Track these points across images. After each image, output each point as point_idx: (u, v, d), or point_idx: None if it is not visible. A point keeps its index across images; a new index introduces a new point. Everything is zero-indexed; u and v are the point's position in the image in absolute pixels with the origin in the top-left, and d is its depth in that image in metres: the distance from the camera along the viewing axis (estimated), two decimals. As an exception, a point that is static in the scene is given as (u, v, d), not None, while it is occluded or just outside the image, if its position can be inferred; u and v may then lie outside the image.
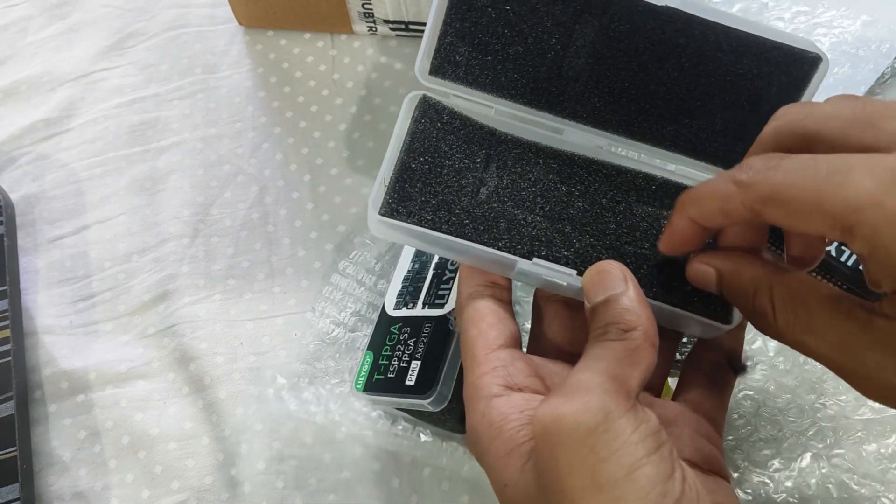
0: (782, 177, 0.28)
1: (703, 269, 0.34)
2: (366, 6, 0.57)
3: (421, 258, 0.47)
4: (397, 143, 0.38)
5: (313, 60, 0.60)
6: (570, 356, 0.34)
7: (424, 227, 0.36)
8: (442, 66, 0.39)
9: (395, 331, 0.44)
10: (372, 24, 0.58)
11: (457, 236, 0.36)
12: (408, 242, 0.37)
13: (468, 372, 0.34)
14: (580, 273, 0.35)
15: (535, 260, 0.36)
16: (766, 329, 0.32)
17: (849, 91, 0.53)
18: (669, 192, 0.39)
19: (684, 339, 0.40)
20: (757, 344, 0.47)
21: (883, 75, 0.53)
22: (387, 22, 0.58)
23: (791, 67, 0.38)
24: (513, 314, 0.36)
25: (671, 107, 0.39)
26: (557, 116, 0.39)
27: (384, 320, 0.45)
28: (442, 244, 0.36)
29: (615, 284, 0.32)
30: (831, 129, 0.29)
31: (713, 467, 0.34)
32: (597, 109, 0.39)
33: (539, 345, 0.38)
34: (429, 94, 0.39)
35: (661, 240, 0.35)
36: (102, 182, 0.57)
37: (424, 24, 0.57)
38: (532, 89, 0.39)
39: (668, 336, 0.37)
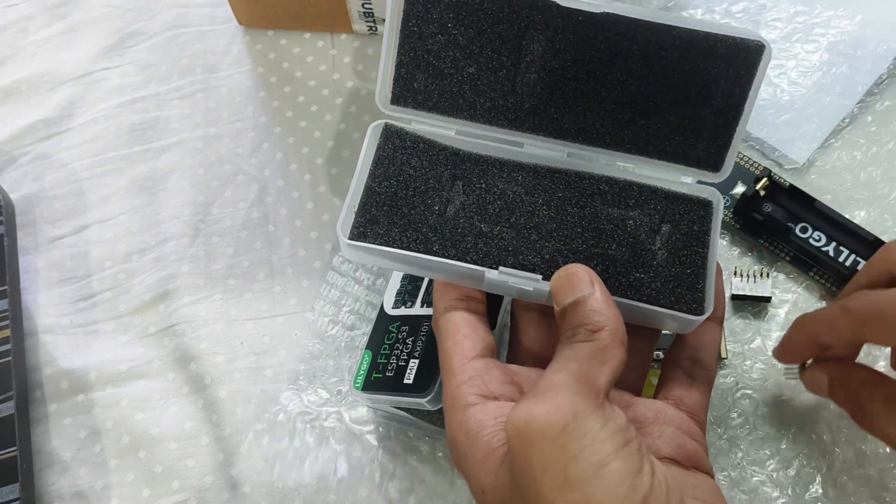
0: (877, 304, 0.35)
1: (816, 375, 0.41)
2: (366, 5, 0.57)
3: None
4: (363, 169, 0.39)
5: (313, 60, 0.60)
6: (546, 362, 0.35)
7: (393, 247, 0.37)
8: (402, 95, 0.41)
9: (394, 329, 0.44)
10: (372, 24, 0.58)
11: (425, 254, 0.37)
12: (380, 263, 0.39)
13: (445, 383, 0.36)
14: (546, 278, 0.36)
15: (500, 269, 0.37)
16: (867, 425, 0.38)
17: (846, 91, 0.53)
18: (632, 193, 0.40)
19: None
20: (756, 343, 0.47)
21: (880, 77, 0.54)
22: (386, 22, 0.58)
23: (736, 58, 0.38)
24: (487, 325, 0.37)
25: (625, 110, 0.40)
26: (516, 131, 0.41)
27: (383, 319, 0.45)
28: (411, 262, 0.37)
29: (582, 287, 0.33)
30: None
31: (696, 464, 0.35)
32: (553, 121, 0.40)
33: (517, 353, 0.39)
34: (391, 121, 0.40)
35: (777, 349, 0.42)
36: (103, 182, 0.57)
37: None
38: (489, 108, 0.40)
39: (644, 335, 0.39)
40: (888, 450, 0.44)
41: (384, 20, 0.57)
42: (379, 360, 0.43)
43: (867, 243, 0.47)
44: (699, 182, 0.40)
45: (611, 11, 0.38)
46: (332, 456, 0.47)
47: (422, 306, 0.44)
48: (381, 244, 0.37)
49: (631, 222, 0.39)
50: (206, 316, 0.52)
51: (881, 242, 0.47)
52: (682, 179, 0.40)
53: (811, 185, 0.51)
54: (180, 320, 0.52)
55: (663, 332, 0.40)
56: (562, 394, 0.30)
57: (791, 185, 0.49)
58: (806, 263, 0.48)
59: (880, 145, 0.52)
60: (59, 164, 0.58)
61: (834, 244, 0.47)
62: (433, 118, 0.41)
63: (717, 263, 0.39)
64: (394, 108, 0.41)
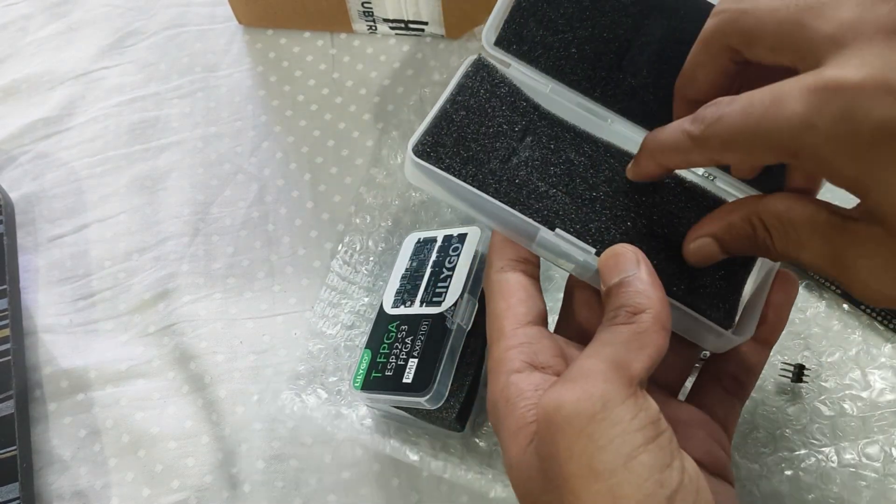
0: (728, 125, 0.30)
1: (700, 244, 0.35)
2: (365, 5, 0.57)
3: (419, 256, 0.47)
4: (444, 94, 0.38)
5: (313, 59, 0.60)
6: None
7: (452, 175, 0.36)
8: (508, 38, 0.39)
9: (393, 329, 0.44)
10: (371, 23, 0.58)
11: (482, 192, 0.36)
12: (435, 192, 0.37)
13: (493, 345, 0.34)
14: (598, 252, 0.35)
15: (557, 231, 0.35)
16: (773, 256, 0.33)
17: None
18: (697, 196, 0.38)
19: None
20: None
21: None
22: (386, 21, 0.58)
23: None
24: (541, 293, 0.36)
25: None
26: (607, 108, 0.39)
27: (382, 318, 0.45)
28: (468, 197, 0.36)
29: (627, 267, 0.32)
30: (769, 30, 0.31)
31: (720, 472, 0.34)
32: (649, 109, 0.39)
33: (567, 327, 0.38)
34: (485, 56, 0.39)
35: (628, 169, 0.37)
36: (102, 181, 0.57)
37: (424, 24, 0.57)
38: (589, 77, 0.39)
39: (688, 342, 0.37)
40: (888, 447, 0.44)
41: (384, 19, 0.57)
42: (378, 360, 0.43)
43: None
44: None
45: None
46: (332, 456, 0.47)
47: (421, 306, 0.44)
48: (441, 169, 0.36)
49: (687, 224, 0.37)
50: (206, 315, 0.52)
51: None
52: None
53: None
54: (180, 319, 0.52)
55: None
56: (593, 380, 0.29)
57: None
58: (806, 262, 0.48)
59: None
60: (59, 163, 0.58)
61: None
62: (531, 71, 0.39)
63: (781, 287, 0.37)
64: (496, 49, 0.39)
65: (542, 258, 0.37)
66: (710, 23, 0.33)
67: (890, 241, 0.28)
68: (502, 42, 0.39)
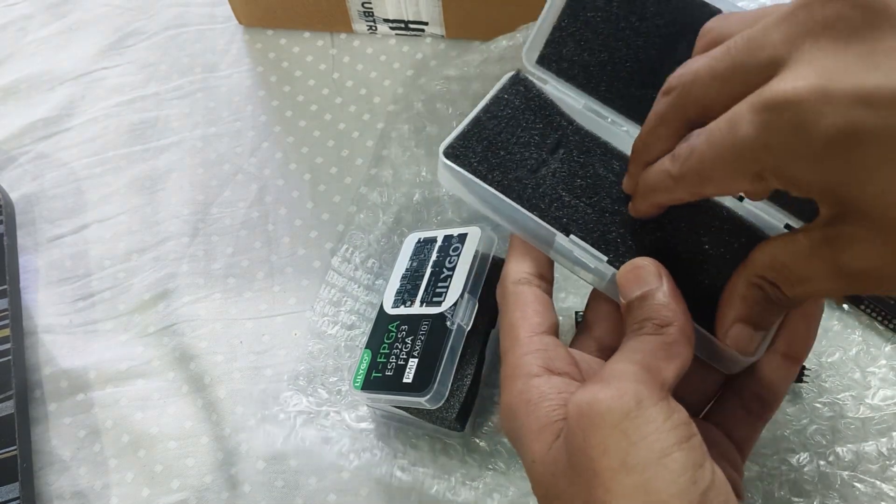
0: (698, 158, 0.30)
1: (735, 335, 0.34)
2: (365, 5, 0.57)
3: (419, 256, 0.47)
4: (480, 104, 0.40)
5: (313, 59, 0.60)
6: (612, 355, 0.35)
7: (478, 178, 0.38)
8: (549, 57, 0.41)
9: (393, 329, 0.44)
10: (371, 24, 0.58)
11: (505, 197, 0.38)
12: (462, 194, 0.39)
13: (508, 352, 0.35)
14: (611, 262, 0.36)
15: (571, 237, 0.37)
16: (794, 305, 0.33)
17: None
18: (721, 215, 0.38)
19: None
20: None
21: None
22: (386, 21, 0.58)
23: None
24: (554, 308, 0.37)
25: None
26: (639, 125, 0.39)
27: (382, 318, 0.45)
28: (490, 200, 0.38)
29: (650, 280, 0.33)
30: (719, 90, 0.31)
31: None
32: None
33: (584, 341, 0.39)
34: (523, 71, 0.41)
35: (630, 208, 0.37)
36: (102, 181, 0.57)
37: (424, 24, 0.57)
38: (623, 94, 0.40)
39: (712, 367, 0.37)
40: (888, 447, 0.44)
41: (384, 19, 0.57)
42: (378, 360, 0.43)
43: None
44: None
45: None
46: (331, 455, 0.47)
47: (421, 305, 0.44)
48: (468, 172, 0.38)
49: (709, 248, 0.37)
50: (206, 315, 0.52)
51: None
52: (780, 227, 0.38)
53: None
54: (180, 319, 0.52)
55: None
56: (626, 381, 0.30)
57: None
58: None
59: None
60: (59, 163, 0.58)
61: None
62: (567, 87, 0.41)
63: (810, 304, 0.36)
64: (536, 67, 0.41)
65: (563, 267, 0.38)
66: (662, 102, 0.33)
67: (877, 232, 0.27)
68: (543, 60, 0.41)
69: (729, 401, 0.38)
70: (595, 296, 0.39)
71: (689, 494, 0.28)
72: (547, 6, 0.40)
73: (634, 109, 0.40)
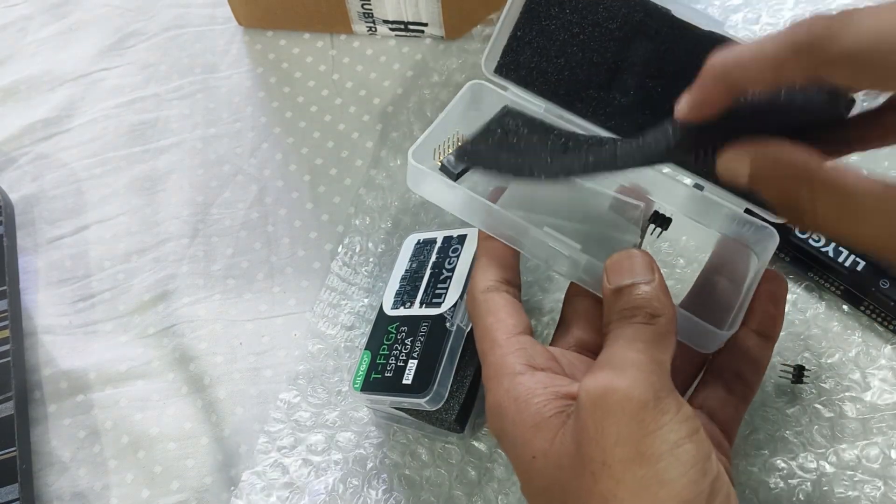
0: (855, 34, 0.26)
1: (735, 158, 0.31)
2: (365, 6, 0.57)
3: (419, 257, 0.47)
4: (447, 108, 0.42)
5: (313, 60, 0.60)
6: (591, 351, 0.36)
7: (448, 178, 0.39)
8: (507, 66, 0.42)
9: (393, 330, 0.44)
10: (371, 25, 0.58)
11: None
12: (429, 195, 0.40)
13: (488, 355, 0.35)
14: (584, 249, 0.37)
15: (545, 228, 0.37)
16: (806, 222, 0.30)
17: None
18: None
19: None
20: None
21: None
22: (386, 22, 0.58)
23: (829, 104, 0.36)
24: (524, 311, 0.37)
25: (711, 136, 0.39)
26: (600, 127, 0.41)
27: (382, 319, 0.45)
28: (468, 202, 0.39)
29: (644, 272, 0.34)
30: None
31: None
32: (638, 127, 0.40)
33: (563, 337, 0.39)
34: (481, 80, 0.43)
35: (683, 103, 0.32)
36: (102, 182, 0.57)
37: (423, 25, 0.57)
38: (581, 98, 0.41)
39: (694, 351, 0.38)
40: (889, 448, 0.44)
41: (384, 20, 0.57)
42: (378, 361, 0.43)
43: (867, 243, 0.47)
44: (759, 219, 0.40)
45: (716, 32, 0.38)
46: (331, 456, 0.47)
47: (420, 307, 0.44)
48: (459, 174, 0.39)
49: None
50: (206, 316, 0.52)
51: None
52: (739, 212, 0.40)
53: (811, 185, 0.51)
54: (180, 320, 0.52)
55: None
56: (641, 371, 0.30)
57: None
58: (805, 264, 0.48)
59: (880, 145, 0.52)
60: (59, 164, 0.58)
61: (833, 245, 0.47)
62: (527, 94, 0.42)
63: (770, 282, 0.38)
64: (495, 76, 0.43)
65: (537, 260, 0.39)
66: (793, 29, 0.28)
67: None
68: (501, 69, 0.42)
69: (711, 383, 0.38)
70: (572, 292, 0.40)
71: (699, 485, 0.29)
72: (502, 16, 0.42)
73: (594, 112, 0.41)
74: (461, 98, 0.42)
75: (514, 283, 0.38)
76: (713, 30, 0.39)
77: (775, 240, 0.39)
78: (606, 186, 0.42)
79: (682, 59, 0.39)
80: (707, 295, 0.40)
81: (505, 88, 0.43)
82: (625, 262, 0.34)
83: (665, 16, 0.40)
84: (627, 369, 0.31)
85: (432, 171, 0.39)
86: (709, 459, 0.30)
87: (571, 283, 0.40)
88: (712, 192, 0.40)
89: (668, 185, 0.42)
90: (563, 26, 0.41)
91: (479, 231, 0.39)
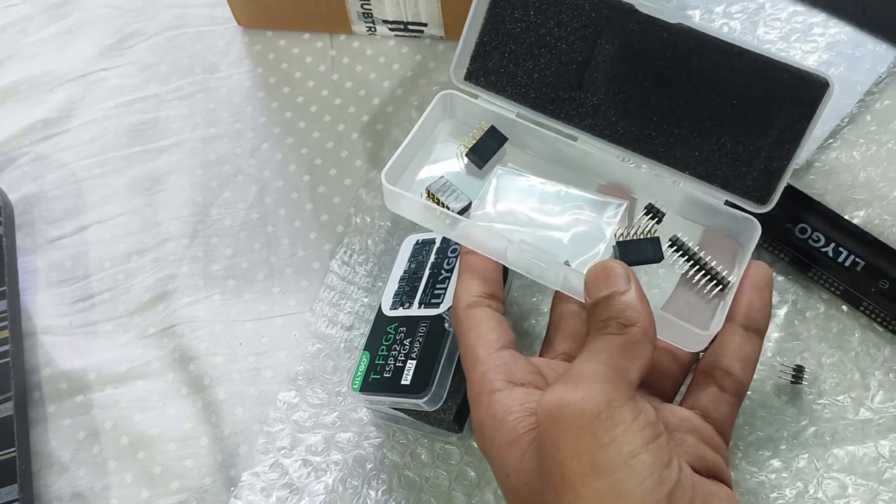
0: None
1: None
2: (365, 7, 0.57)
3: (417, 258, 0.47)
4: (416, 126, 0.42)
5: (312, 61, 0.60)
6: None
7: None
8: (476, 73, 0.43)
9: (392, 330, 0.44)
10: (371, 25, 0.58)
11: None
12: (406, 213, 0.41)
13: (470, 371, 0.36)
14: (567, 254, 0.37)
15: (521, 242, 0.37)
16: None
17: (845, 91, 0.53)
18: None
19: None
20: (755, 344, 0.47)
21: (880, 76, 0.53)
22: (386, 22, 0.58)
23: (801, 92, 0.38)
24: (508, 324, 0.38)
25: (683, 126, 0.40)
26: (573, 126, 0.42)
27: (381, 320, 0.45)
28: (446, 221, 0.39)
29: (618, 282, 0.34)
30: None
31: (716, 475, 0.34)
32: (611, 124, 0.41)
33: (551, 346, 0.40)
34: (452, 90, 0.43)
35: None
36: (102, 182, 0.57)
37: (423, 25, 0.57)
38: (552, 98, 0.42)
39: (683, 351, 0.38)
40: (887, 450, 0.44)
41: (383, 21, 0.57)
42: (377, 362, 0.43)
43: (867, 244, 0.47)
44: (741, 210, 0.40)
45: (685, 24, 0.39)
46: (331, 457, 0.47)
47: (419, 307, 0.44)
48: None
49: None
50: (206, 316, 0.52)
51: (880, 243, 0.47)
52: (720, 204, 0.40)
53: (810, 185, 0.51)
54: (179, 321, 0.52)
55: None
56: (596, 382, 0.30)
57: (790, 186, 0.49)
58: (805, 264, 0.48)
59: (880, 145, 0.52)
60: (59, 164, 0.58)
61: (833, 245, 0.47)
62: (498, 99, 0.43)
63: (753, 272, 0.38)
64: (465, 84, 0.43)
65: (520, 272, 0.39)
66: None
67: None
68: (471, 76, 0.43)
69: (702, 382, 0.38)
70: (558, 297, 0.40)
71: (655, 495, 0.29)
72: (467, 23, 0.42)
73: (566, 113, 0.42)
74: (432, 110, 0.43)
75: (496, 296, 0.38)
76: (679, 21, 0.39)
77: (758, 230, 0.40)
78: (585, 188, 0.42)
79: (651, 53, 0.40)
80: (691, 293, 0.40)
81: (476, 96, 0.43)
82: (600, 273, 0.34)
83: (630, 11, 0.40)
84: (582, 381, 0.31)
85: (405, 191, 0.39)
86: (667, 467, 0.30)
87: (556, 291, 0.40)
88: (691, 187, 0.40)
89: (648, 181, 0.42)
90: (529, 28, 0.41)
91: (461, 246, 0.40)
